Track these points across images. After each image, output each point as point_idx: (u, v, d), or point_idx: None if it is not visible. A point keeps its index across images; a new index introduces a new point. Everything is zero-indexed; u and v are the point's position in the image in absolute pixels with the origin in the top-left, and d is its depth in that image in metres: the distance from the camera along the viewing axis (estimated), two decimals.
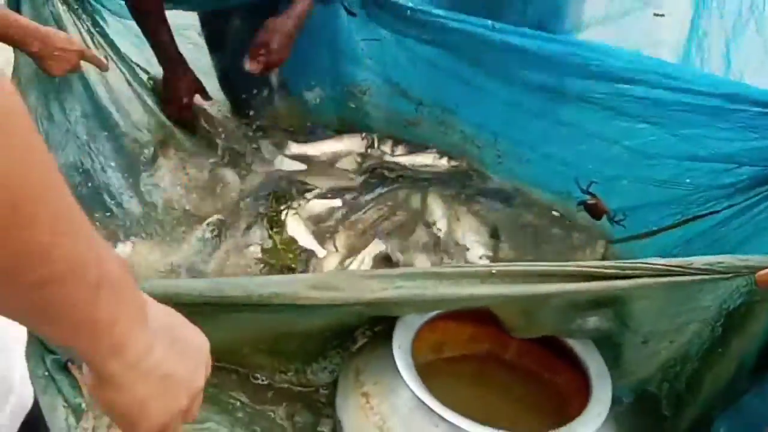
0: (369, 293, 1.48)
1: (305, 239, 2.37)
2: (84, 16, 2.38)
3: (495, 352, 1.90)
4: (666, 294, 1.55)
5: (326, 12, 2.66)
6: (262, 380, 1.75)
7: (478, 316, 1.68)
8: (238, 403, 1.69)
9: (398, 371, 1.57)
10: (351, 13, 2.60)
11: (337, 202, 2.55)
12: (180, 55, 2.53)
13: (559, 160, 2.53)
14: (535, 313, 1.63)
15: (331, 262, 2.29)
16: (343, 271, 1.62)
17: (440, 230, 2.47)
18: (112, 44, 2.49)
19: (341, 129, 2.93)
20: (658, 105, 2.17)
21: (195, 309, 1.45)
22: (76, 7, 2.36)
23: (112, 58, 2.44)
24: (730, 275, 1.50)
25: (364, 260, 2.29)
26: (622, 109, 2.25)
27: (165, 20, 2.45)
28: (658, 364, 1.76)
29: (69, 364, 1.44)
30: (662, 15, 2.60)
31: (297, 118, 2.92)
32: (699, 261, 1.49)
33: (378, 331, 1.75)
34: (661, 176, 2.30)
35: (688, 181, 2.24)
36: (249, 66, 2.41)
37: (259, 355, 1.71)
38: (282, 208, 2.47)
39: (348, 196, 2.60)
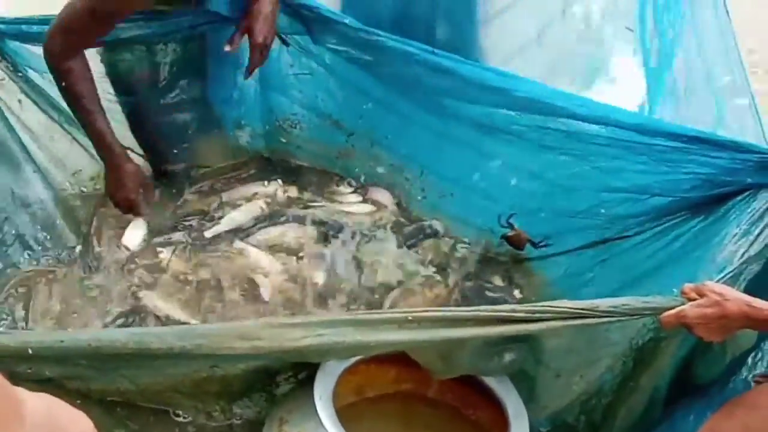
0: (290, 342, 1.52)
1: None
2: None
3: (418, 391, 1.95)
4: (575, 332, 1.61)
5: None
6: (185, 418, 1.78)
7: (400, 357, 1.71)
8: None
9: (321, 422, 1.60)
10: (284, 42, 2.55)
11: None
12: (119, 145, 2.31)
13: (482, 194, 2.57)
14: (452, 355, 1.68)
15: None
16: (265, 320, 1.64)
17: None
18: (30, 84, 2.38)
19: (269, 165, 2.91)
20: (579, 138, 2.23)
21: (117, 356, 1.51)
22: None
23: (31, 97, 2.37)
24: (634, 317, 1.57)
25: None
26: (545, 141, 2.30)
27: (95, 97, 2.24)
28: (572, 397, 1.82)
29: None
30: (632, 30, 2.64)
31: (223, 156, 2.87)
32: (604, 303, 1.55)
33: (302, 378, 1.78)
34: (577, 207, 2.36)
35: (602, 211, 2.32)
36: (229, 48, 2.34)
37: (182, 397, 1.73)
38: None
39: None
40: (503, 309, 1.56)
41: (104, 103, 2.29)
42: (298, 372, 1.78)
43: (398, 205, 2.77)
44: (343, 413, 1.65)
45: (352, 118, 2.75)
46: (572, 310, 1.53)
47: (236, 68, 2.61)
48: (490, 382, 1.80)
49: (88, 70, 2.22)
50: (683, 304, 1.55)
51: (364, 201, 2.78)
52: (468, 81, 2.29)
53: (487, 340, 1.64)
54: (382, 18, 2.57)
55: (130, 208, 2.41)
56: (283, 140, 2.88)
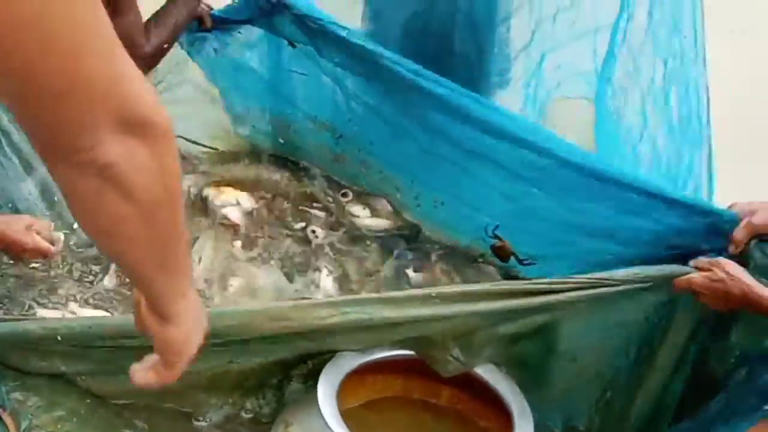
0: (317, 320, 1.54)
1: None
2: None
3: (427, 399, 1.93)
4: (592, 308, 1.67)
5: (269, 43, 2.66)
6: (198, 418, 1.75)
7: (408, 367, 1.73)
8: None
9: (325, 421, 1.58)
10: (292, 45, 2.57)
11: None
12: None
13: (470, 206, 2.58)
14: (466, 344, 1.70)
15: None
16: (294, 302, 1.64)
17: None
18: None
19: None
20: (552, 174, 2.22)
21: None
22: None
23: None
24: (649, 284, 1.65)
25: None
26: (521, 172, 2.30)
27: None
28: (585, 380, 1.87)
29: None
30: None
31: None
32: (619, 273, 1.64)
33: (309, 385, 1.77)
34: (551, 236, 2.36)
35: (573, 247, 2.30)
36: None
37: (196, 392, 1.72)
38: None
39: None
40: (523, 283, 1.62)
41: None
42: (309, 373, 1.78)
43: (395, 213, 2.78)
44: (347, 416, 1.64)
45: (341, 122, 2.76)
46: (589, 280, 1.60)
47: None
48: (500, 389, 1.80)
49: None
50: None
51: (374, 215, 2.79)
52: (449, 104, 2.32)
53: (504, 331, 1.68)
54: (402, 26, 2.66)
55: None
56: (281, 140, 2.89)
